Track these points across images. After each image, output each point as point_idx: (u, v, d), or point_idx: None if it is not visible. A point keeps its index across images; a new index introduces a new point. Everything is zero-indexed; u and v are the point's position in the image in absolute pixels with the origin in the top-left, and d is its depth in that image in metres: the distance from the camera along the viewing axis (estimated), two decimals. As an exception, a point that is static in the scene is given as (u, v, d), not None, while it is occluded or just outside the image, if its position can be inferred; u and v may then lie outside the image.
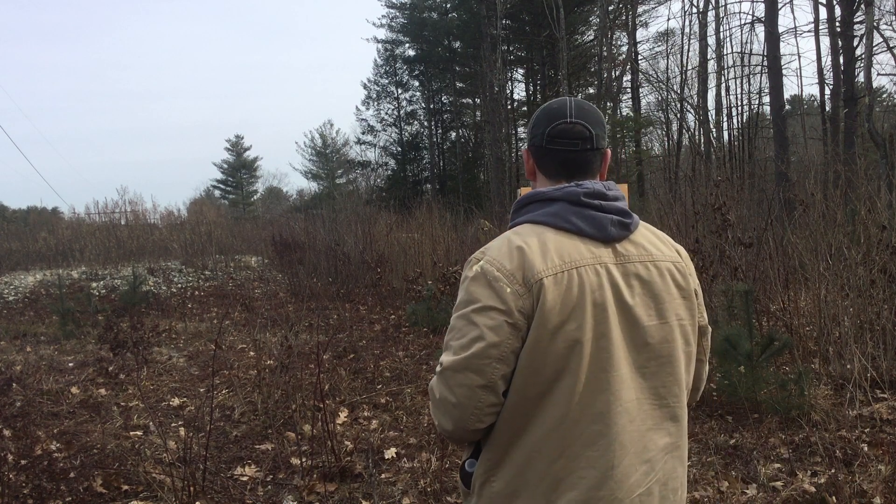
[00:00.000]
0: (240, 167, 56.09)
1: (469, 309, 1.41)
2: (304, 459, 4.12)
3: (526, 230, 1.47)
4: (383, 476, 4.05)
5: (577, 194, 1.46)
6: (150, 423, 5.02)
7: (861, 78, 15.38)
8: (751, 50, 21.73)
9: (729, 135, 22.83)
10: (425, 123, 35.26)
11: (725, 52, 22.29)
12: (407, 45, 34.09)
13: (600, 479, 1.40)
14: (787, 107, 22.93)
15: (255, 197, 57.04)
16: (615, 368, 1.40)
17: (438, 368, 1.44)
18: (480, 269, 1.43)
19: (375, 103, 35.19)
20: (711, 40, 22.00)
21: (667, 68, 25.59)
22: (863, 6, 14.53)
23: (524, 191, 1.65)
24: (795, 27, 35.38)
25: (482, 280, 1.41)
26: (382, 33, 42.10)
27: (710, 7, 21.61)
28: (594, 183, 1.50)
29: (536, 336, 1.36)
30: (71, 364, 7.30)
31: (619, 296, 1.42)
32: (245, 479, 4.07)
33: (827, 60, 18.99)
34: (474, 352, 1.38)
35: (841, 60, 16.90)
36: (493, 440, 1.45)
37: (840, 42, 16.83)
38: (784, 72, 16.97)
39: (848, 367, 5.04)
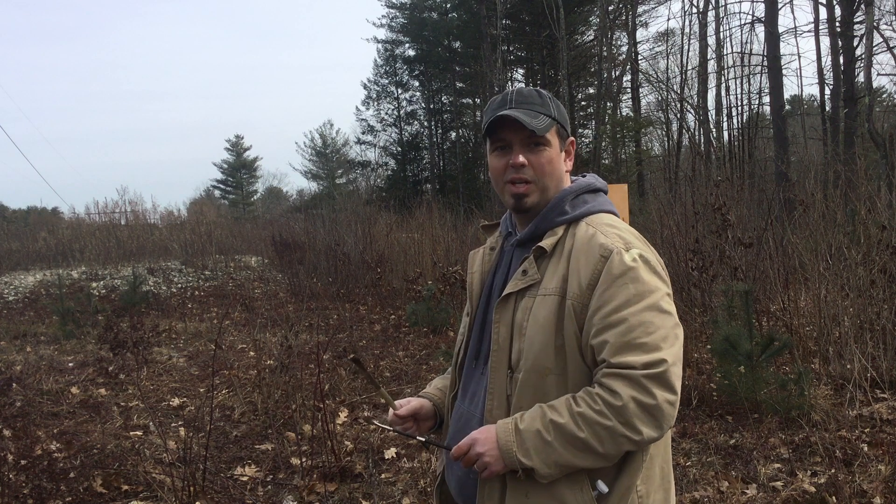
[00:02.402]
0: (240, 167, 56.05)
1: (655, 298, 1.32)
2: (304, 459, 4.12)
3: (615, 220, 1.49)
4: (383, 476, 4.05)
5: (606, 186, 1.59)
6: (150, 423, 5.02)
7: (861, 78, 15.40)
8: (751, 50, 21.72)
9: (729, 135, 22.82)
10: (425, 123, 35.22)
11: (725, 52, 22.27)
12: (407, 45, 34.07)
13: None
14: (787, 107, 22.93)
15: (255, 197, 56.99)
16: None
17: (648, 371, 1.26)
18: (640, 257, 1.36)
19: (375, 103, 35.17)
20: (711, 40, 21.98)
21: (667, 68, 25.55)
22: (863, 6, 14.55)
23: None
24: (795, 27, 35.29)
25: (649, 267, 1.36)
26: (382, 33, 42.12)
27: (710, 7, 21.60)
28: None
29: None
30: (71, 364, 7.30)
31: None
32: (245, 479, 4.07)
33: (827, 60, 18.99)
34: (681, 340, 1.34)
35: (841, 60, 16.91)
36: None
37: (840, 42, 16.84)
38: (784, 72, 17.01)
39: (848, 367, 5.03)
